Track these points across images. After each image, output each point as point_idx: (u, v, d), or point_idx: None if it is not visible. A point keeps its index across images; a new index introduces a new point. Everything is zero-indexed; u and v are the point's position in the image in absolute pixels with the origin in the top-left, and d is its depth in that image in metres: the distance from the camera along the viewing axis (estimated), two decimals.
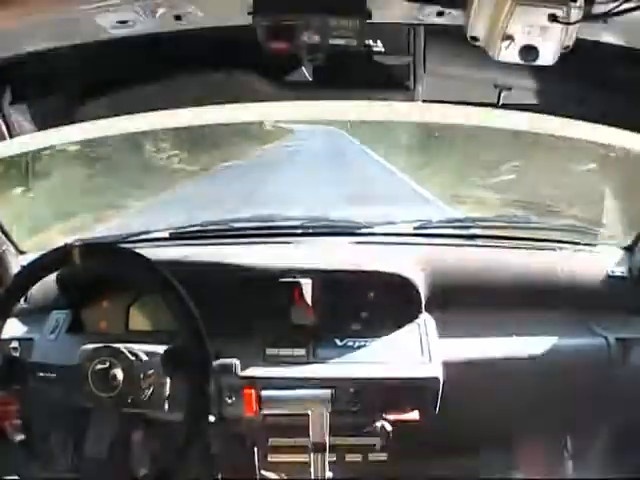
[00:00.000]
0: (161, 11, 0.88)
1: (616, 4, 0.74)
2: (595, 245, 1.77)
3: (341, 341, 1.44)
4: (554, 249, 1.77)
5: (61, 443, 1.48)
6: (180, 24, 0.92)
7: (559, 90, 1.04)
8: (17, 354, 1.44)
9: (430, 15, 0.85)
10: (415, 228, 1.79)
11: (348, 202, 4.03)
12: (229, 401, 1.35)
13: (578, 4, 0.72)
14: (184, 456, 1.23)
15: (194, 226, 1.80)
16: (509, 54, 0.78)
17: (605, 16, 0.76)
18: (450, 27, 0.84)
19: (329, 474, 1.37)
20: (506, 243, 1.78)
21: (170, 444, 1.25)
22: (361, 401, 1.37)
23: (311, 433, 1.34)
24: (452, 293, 1.59)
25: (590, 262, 1.71)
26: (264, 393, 1.36)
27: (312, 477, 1.35)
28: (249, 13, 0.89)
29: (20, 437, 1.28)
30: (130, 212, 5.04)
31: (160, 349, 1.28)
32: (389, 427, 1.36)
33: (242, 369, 1.36)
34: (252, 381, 1.36)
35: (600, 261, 1.70)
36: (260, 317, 1.45)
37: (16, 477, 1.37)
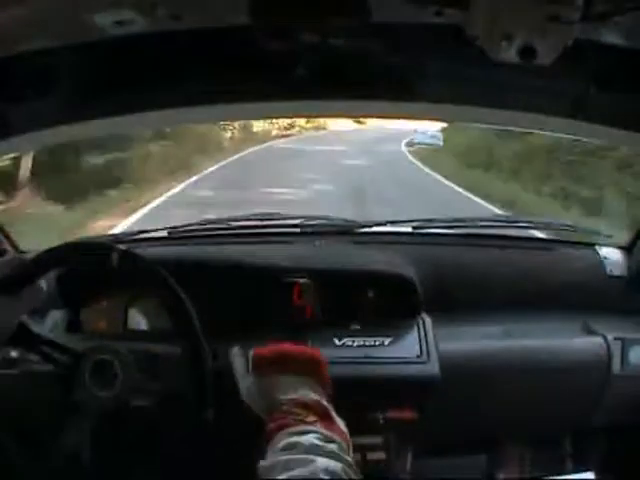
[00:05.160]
0: (160, 11, 0.88)
1: (616, 4, 0.74)
2: (593, 245, 1.77)
3: (340, 340, 1.44)
4: (553, 249, 1.77)
5: (57, 442, 1.48)
6: (179, 24, 0.91)
7: (558, 90, 1.04)
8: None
9: (429, 14, 0.85)
10: (414, 228, 1.79)
11: None
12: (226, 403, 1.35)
13: (578, 4, 0.72)
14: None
15: (192, 225, 1.79)
16: (508, 53, 0.77)
17: (605, 16, 0.76)
18: (449, 26, 0.84)
19: None
20: (505, 243, 1.78)
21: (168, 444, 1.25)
22: (359, 400, 1.37)
23: None
24: (451, 292, 1.59)
25: (588, 262, 1.72)
26: None
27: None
28: (248, 13, 0.88)
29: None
30: None
31: (159, 349, 1.28)
32: (388, 426, 1.37)
33: None
34: None
35: (598, 261, 1.70)
36: (258, 317, 1.45)
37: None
